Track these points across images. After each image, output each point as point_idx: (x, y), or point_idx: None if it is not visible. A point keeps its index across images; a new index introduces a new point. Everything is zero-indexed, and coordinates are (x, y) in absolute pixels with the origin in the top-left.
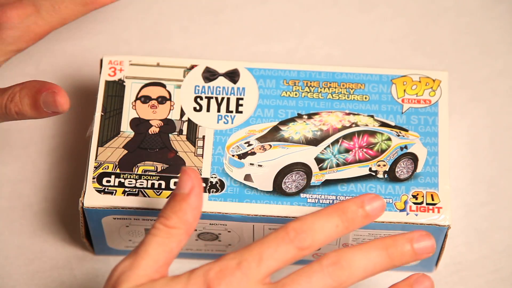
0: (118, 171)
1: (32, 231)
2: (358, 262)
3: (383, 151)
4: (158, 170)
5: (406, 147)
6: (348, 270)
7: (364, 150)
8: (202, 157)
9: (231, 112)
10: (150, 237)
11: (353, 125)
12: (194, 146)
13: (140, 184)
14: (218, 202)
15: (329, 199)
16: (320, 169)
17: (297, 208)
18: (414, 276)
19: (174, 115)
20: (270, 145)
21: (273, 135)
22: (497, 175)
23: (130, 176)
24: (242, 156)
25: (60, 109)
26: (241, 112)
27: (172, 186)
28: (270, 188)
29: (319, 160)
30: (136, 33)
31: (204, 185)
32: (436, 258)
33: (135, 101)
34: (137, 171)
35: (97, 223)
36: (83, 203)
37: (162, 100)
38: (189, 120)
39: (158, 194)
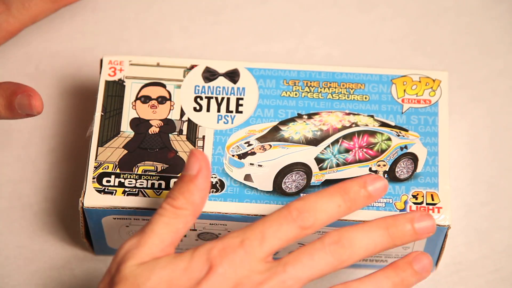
0: (118, 171)
1: (32, 231)
2: (359, 241)
3: (383, 151)
4: (158, 170)
5: (406, 147)
6: (350, 249)
7: (364, 150)
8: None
9: (231, 112)
10: (157, 216)
11: (353, 125)
12: (194, 146)
13: (140, 184)
14: (218, 202)
15: None
16: (320, 169)
17: None
18: (413, 254)
19: (174, 115)
20: (270, 145)
21: (273, 135)
22: (497, 175)
23: (130, 176)
24: (242, 156)
25: (35, 112)
26: (241, 112)
27: (172, 186)
28: (270, 188)
29: (319, 160)
30: (136, 33)
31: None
32: (436, 258)
33: (135, 101)
34: (137, 171)
35: (97, 223)
36: (83, 203)
37: (162, 100)
38: (189, 120)
39: (158, 194)
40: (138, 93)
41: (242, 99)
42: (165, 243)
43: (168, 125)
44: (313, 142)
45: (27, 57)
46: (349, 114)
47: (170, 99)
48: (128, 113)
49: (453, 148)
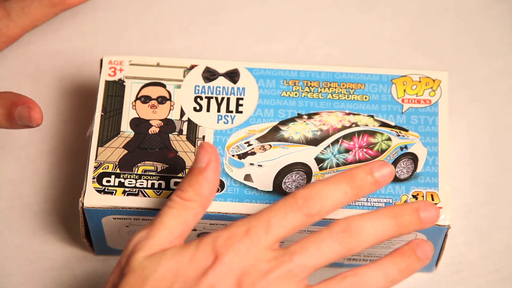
0: (118, 171)
1: (32, 231)
2: (367, 229)
3: (383, 151)
4: (158, 170)
5: (406, 147)
6: (358, 237)
7: (364, 150)
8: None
9: (231, 112)
10: (166, 209)
11: (353, 125)
12: (194, 146)
13: (140, 184)
14: (218, 202)
15: None
16: (320, 169)
17: None
18: (415, 241)
19: (174, 115)
20: (270, 145)
21: (273, 135)
22: (497, 175)
23: (130, 176)
24: (242, 156)
25: (34, 124)
26: (241, 112)
27: (172, 186)
28: (270, 188)
29: (319, 160)
30: (136, 33)
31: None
32: (436, 258)
33: (135, 101)
34: (137, 171)
35: (97, 223)
36: (83, 203)
37: (162, 100)
38: (189, 120)
39: (158, 194)
40: (138, 93)
41: (242, 99)
42: (174, 235)
43: (168, 125)
44: (313, 142)
45: (27, 57)
46: (349, 114)
47: (170, 99)
48: (128, 113)
49: (453, 148)
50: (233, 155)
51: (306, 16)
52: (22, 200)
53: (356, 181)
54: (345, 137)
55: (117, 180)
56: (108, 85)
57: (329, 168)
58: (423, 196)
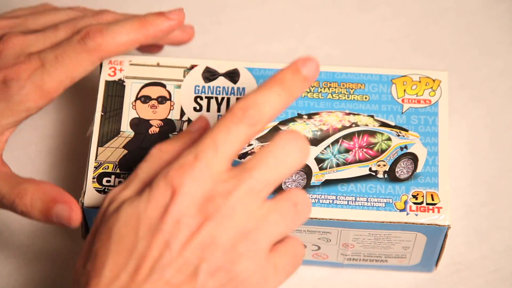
0: (118, 171)
1: (32, 231)
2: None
3: (383, 151)
4: None
5: (406, 147)
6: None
7: (364, 150)
8: None
9: None
10: (142, 163)
11: (353, 125)
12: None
13: None
14: None
15: (329, 199)
16: (320, 169)
17: None
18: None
19: (174, 115)
20: None
21: (273, 135)
22: (497, 175)
23: None
24: (242, 156)
25: (72, 225)
26: None
27: None
28: None
29: (319, 160)
30: None
31: None
32: (436, 258)
33: (135, 101)
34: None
35: None
36: (83, 203)
37: (162, 100)
38: (189, 120)
39: None
40: (138, 93)
41: None
42: (146, 183)
43: (168, 125)
44: (313, 142)
45: None
46: (349, 114)
47: (170, 99)
48: (128, 113)
49: (453, 148)
50: None
51: (306, 16)
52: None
53: (286, 81)
54: (345, 137)
55: (117, 180)
56: (108, 85)
57: (329, 168)
58: (423, 196)
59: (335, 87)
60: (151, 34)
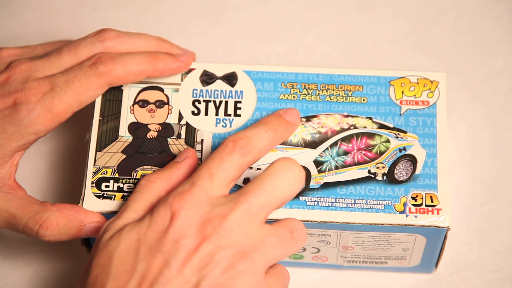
0: (117, 176)
1: None
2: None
3: (381, 153)
4: None
5: (404, 148)
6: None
7: (363, 152)
8: (201, 161)
9: (229, 115)
10: (133, 194)
11: (352, 127)
12: (197, 157)
13: None
14: None
15: (328, 202)
16: (319, 171)
17: (296, 211)
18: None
19: (172, 119)
20: None
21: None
22: (497, 175)
23: (129, 181)
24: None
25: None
26: (239, 115)
27: None
28: None
29: (317, 163)
30: None
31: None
32: (436, 260)
33: (133, 105)
34: (136, 176)
35: None
36: None
37: (160, 104)
38: (187, 124)
39: None
40: (136, 98)
41: (240, 102)
42: (139, 215)
43: (166, 129)
44: (312, 144)
45: None
46: (347, 116)
47: (168, 103)
48: (126, 118)
49: (452, 149)
50: None
51: (306, 16)
52: None
53: (271, 123)
54: (343, 139)
55: (116, 185)
56: None
57: (328, 171)
58: (422, 198)
59: (333, 90)
60: (159, 69)
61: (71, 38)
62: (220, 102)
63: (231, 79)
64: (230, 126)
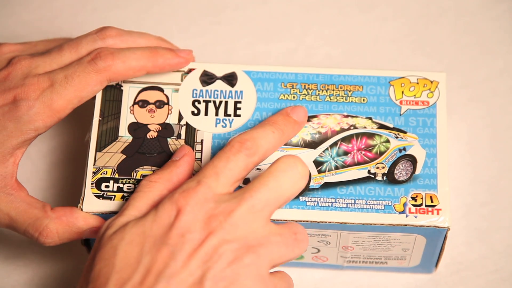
0: (116, 176)
1: None
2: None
3: (381, 153)
4: None
5: (404, 149)
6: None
7: (363, 152)
8: (201, 161)
9: (229, 115)
10: (134, 193)
11: (352, 128)
12: (193, 150)
13: None
14: None
15: (328, 202)
16: (319, 172)
17: (296, 211)
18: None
19: (172, 119)
20: None
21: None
22: (497, 175)
23: (129, 181)
24: None
25: None
26: (239, 115)
27: None
28: None
29: (317, 163)
30: None
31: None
32: (436, 260)
33: (133, 105)
34: (135, 176)
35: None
36: (82, 209)
37: (160, 104)
38: (187, 124)
39: None
40: (135, 98)
41: (240, 102)
42: (142, 213)
43: (166, 130)
44: (312, 145)
45: None
46: (347, 116)
47: (168, 103)
48: (126, 118)
49: (452, 148)
50: None
51: (306, 16)
52: None
53: (278, 122)
54: (343, 139)
55: (115, 185)
56: (106, 89)
57: (328, 171)
58: (422, 198)
59: (333, 90)
60: (159, 65)
61: (72, 37)
62: (220, 102)
63: (231, 79)
64: (230, 126)
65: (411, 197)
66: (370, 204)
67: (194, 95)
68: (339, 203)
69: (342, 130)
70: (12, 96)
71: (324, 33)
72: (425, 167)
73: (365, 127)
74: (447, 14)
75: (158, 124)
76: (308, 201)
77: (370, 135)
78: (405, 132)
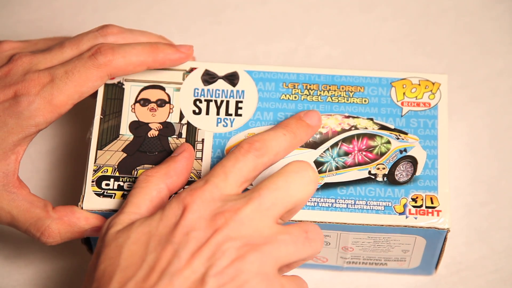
0: (117, 174)
1: None
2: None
3: (382, 154)
4: None
5: (405, 150)
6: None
7: (364, 153)
8: (202, 161)
9: (231, 115)
10: (132, 189)
11: (353, 128)
12: (194, 149)
13: None
14: None
15: (328, 202)
16: (320, 172)
17: None
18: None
19: (173, 118)
20: None
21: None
22: (497, 175)
23: (130, 180)
24: None
25: None
26: (240, 115)
27: None
28: None
29: (318, 163)
30: None
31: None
32: (436, 261)
33: (134, 104)
34: (136, 174)
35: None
36: (82, 207)
37: (161, 103)
38: (188, 123)
39: None
40: (137, 96)
41: (241, 102)
42: (141, 209)
43: (167, 128)
44: (312, 145)
45: None
46: (348, 117)
47: (169, 102)
48: (128, 116)
49: (453, 149)
50: None
51: (306, 16)
52: None
53: (290, 125)
54: (344, 140)
55: (116, 183)
56: (107, 87)
57: (328, 171)
58: (422, 199)
59: (335, 90)
60: (160, 60)
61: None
62: (222, 101)
63: (232, 78)
64: (231, 126)
65: (411, 198)
66: (370, 205)
67: (196, 94)
68: (339, 203)
69: (343, 130)
70: (12, 91)
71: (324, 33)
72: (425, 169)
73: (366, 128)
74: (447, 14)
75: (159, 123)
76: (308, 201)
77: (371, 136)
78: (406, 133)
